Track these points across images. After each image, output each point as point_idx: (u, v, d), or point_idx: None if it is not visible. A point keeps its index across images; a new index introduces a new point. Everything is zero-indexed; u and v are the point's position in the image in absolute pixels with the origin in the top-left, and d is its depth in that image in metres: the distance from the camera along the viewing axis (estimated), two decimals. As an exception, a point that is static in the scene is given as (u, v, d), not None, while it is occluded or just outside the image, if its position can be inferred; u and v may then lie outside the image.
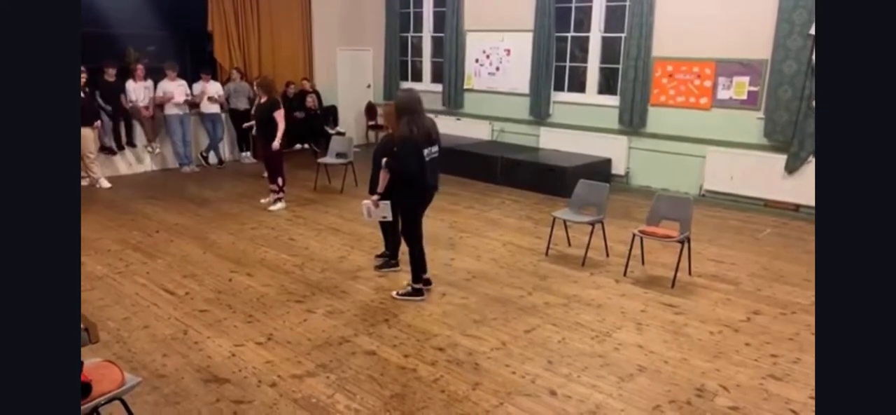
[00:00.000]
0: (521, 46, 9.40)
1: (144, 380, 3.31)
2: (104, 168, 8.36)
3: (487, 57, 9.96)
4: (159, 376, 3.54)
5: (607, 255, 5.62)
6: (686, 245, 5.10)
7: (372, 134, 11.79)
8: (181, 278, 5.02)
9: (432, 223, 6.34)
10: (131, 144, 8.84)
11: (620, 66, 8.50)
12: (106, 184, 8.06)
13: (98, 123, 8.10)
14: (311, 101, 10.59)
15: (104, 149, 8.51)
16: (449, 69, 10.36)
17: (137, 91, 8.65)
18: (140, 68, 8.71)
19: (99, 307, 4.39)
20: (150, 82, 8.81)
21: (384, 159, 4.56)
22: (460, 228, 6.56)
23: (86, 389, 2.46)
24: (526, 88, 9.45)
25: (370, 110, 11.79)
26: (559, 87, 9.30)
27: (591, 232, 5.55)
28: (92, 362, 2.70)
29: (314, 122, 10.53)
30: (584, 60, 9.00)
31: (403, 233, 4.68)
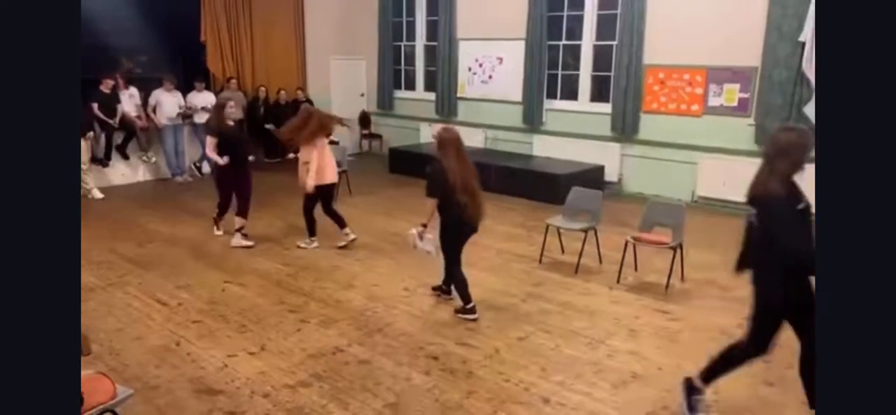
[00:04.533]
0: (514, 55, 9.44)
1: (137, 392, 3.29)
2: (97, 179, 8.33)
3: (480, 65, 10.00)
4: (152, 387, 3.53)
5: (600, 262, 5.64)
6: (679, 251, 5.12)
7: (365, 143, 11.81)
8: (174, 289, 5.00)
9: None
10: (124, 155, 8.79)
11: (612, 74, 8.55)
12: (98, 194, 8.03)
13: (91, 133, 8.08)
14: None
15: (96, 160, 8.48)
16: (442, 78, 10.39)
17: (124, 100, 8.61)
18: (119, 78, 8.62)
19: (91, 319, 4.36)
20: (134, 91, 8.79)
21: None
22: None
23: (77, 401, 2.45)
24: (519, 96, 9.49)
25: (364, 119, 11.81)
26: (552, 95, 9.35)
27: (585, 239, 5.56)
28: (84, 373, 2.68)
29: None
30: (577, 68, 9.05)
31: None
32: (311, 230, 6.06)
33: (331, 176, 5.90)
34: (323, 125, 5.87)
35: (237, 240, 6.08)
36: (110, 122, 8.34)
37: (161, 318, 4.46)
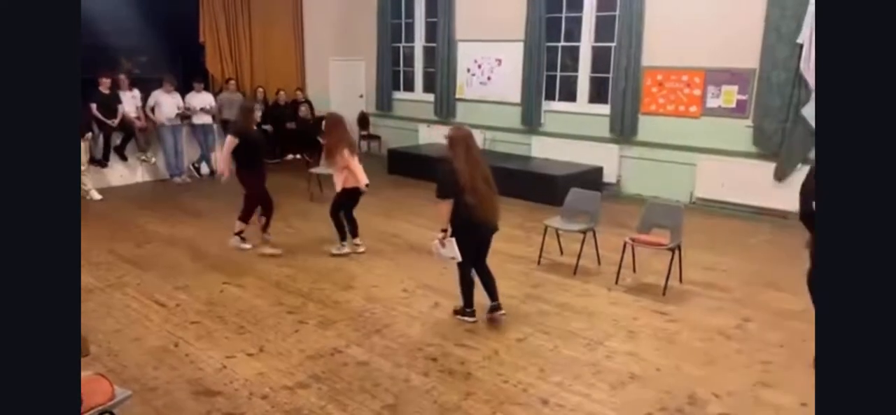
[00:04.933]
0: (513, 56, 9.44)
1: (135, 393, 3.29)
2: (95, 180, 8.32)
3: (479, 66, 10.00)
4: (150, 389, 3.52)
5: (599, 263, 5.64)
6: (677, 253, 5.13)
7: (364, 144, 11.81)
8: (172, 290, 4.99)
9: (423, 232, 6.35)
10: (122, 156, 8.78)
11: (610, 76, 8.56)
12: (97, 196, 8.02)
13: (89, 134, 8.07)
14: (303, 111, 10.60)
15: (94, 161, 8.47)
16: (441, 79, 10.39)
17: (126, 101, 8.63)
18: (123, 78, 8.69)
19: (89, 320, 4.35)
20: (137, 92, 8.81)
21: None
22: (453, 237, 6.56)
23: (75, 402, 2.45)
24: (517, 98, 9.50)
25: (363, 120, 11.81)
26: (550, 97, 9.36)
27: (583, 240, 5.56)
28: (82, 375, 2.68)
29: (307, 132, 10.56)
30: (575, 70, 9.05)
31: None
32: (342, 234, 5.91)
33: (361, 180, 5.83)
34: (341, 141, 5.79)
35: (235, 242, 6.04)
36: (108, 122, 8.34)
37: (159, 319, 4.46)
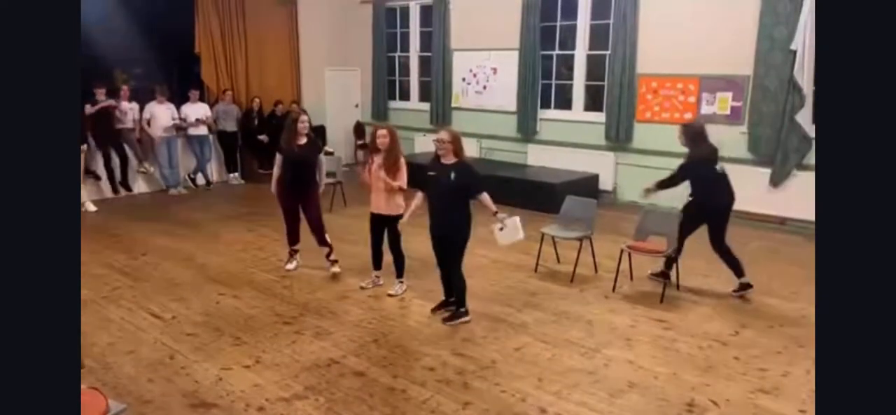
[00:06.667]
0: (508, 65, 9.47)
1: (129, 406, 3.26)
2: (90, 191, 8.29)
3: (474, 75, 10.03)
4: (145, 402, 3.49)
5: (596, 271, 5.64)
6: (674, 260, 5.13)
7: (360, 153, 11.80)
8: (168, 302, 4.96)
9: (420, 241, 6.34)
10: (125, 185, 8.75)
11: (606, 83, 8.59)
12: (92, 207, 7.98)
13: (84, 146, 8.04)
14: (299, 121, 10.59)
15: (89, 172, 8.43)
16: (436, 88, 10.41)
17: (124, 112, 8.62)
18: (125, 90, 8.70)
19: (84, 332, 4.32)
20: (135, 105, 8.79)
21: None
22: (449, 246, 6.54)
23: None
24: (513, 106, 9.52)
25: (358, 130, 11.81)
26: (546, 105, 9.38)
27: (580, 248, 5.56)
28: (75, 389, 2.66)
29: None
30: (570, 78, 9.08)
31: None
32: (401, 268, 5.30)
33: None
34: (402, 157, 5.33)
35: (335, 268, 5.61)
36: (118, 115, 8.29)
37: (155, 331, 4.43)
